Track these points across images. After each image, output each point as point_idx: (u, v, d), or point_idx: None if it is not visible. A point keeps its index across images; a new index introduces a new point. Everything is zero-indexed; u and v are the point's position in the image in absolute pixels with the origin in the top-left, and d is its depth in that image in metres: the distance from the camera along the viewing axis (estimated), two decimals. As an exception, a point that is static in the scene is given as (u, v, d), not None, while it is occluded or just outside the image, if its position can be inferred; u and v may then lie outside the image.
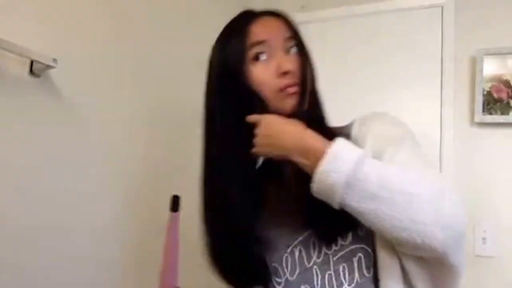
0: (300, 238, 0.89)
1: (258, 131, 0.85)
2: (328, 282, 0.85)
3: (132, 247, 1.59)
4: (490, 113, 1.85)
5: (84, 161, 1.42)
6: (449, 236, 0.70)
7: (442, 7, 2.02)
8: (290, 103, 0.87)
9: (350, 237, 0.86)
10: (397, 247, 0.78)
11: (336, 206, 0.75)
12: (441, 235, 0.70)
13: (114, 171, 1.54)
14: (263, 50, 0.87)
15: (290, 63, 0.87)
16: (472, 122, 1.89)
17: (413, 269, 0.79)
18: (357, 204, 0.73)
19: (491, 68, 1.88)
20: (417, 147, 0.86)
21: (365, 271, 0.84)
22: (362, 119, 0.92)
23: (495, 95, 1.85)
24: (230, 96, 0.90)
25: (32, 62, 1.25)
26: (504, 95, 1.84)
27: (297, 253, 0.90)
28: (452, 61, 1.97)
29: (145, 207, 1.65)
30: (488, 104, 1.86)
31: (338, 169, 0.72)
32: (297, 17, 2.58)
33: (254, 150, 0.86)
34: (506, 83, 1.84)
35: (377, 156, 0.80)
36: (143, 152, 1.69)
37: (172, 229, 0.71)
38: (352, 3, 2.09)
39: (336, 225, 0.85)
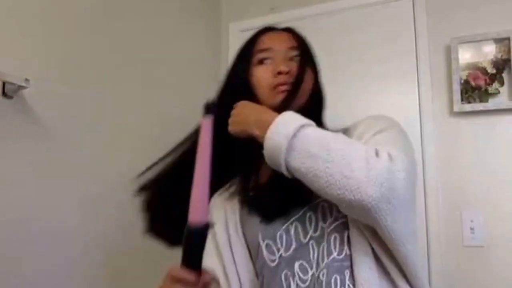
0: (296, 216, 0.93)
1: (232, 112, 0.98)
2: (321, 253, 0.89)
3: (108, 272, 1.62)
4: (469, 102, 1.83)
5: (58, 181, 1.43)
6: (380, 193, 0.73)
7: (413, -2, 2.01)
8: (279, 98, 0.98)
9: None
10: (340, 210, 0.83)
11: (284, 171, 0.82)
12: (372, 191, 0.73)
13: (89, 191, 1.54)
14: (268, 55, 1.03)
15: (286, 65, 1.00)
16: (452, 112, 1.87)
17: (370, 240, 0.84)
18: (298, 164, 0.79)
19: (466, 56, 1.86)
20: (398, 137, 0.90)
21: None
22: (355, 123, 1.00)
23: (473, 83, 1.83)
24: (232, 89, 1.07)
25: (4, 84, 1.26)
26: (481, 82, 1.82)
27: (292, 230, 0.93)
28: (427, 52, 1.96)
29: (118, 226, 1.65)
30: (466, 93, 1.84)
31: (281, 132, 0.81)
32: (267, 19, 2.63)
33: (229, 129, 0.98)
34: (483, 70, 1.83)
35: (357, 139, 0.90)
36: (120, 170, 1.69)
37: (201, 136, 0.74)
38: (322, 1, 2.10)
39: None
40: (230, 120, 0.98)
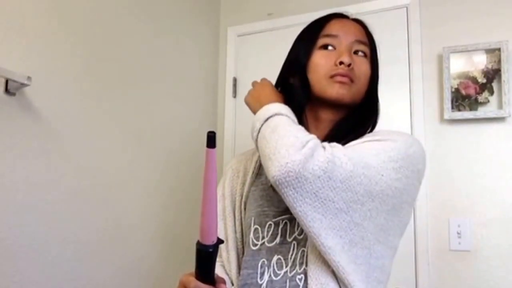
0: (289, 214, 0.93)
1: (253, 84, 1.05)
2: (300, 256, 0.91)
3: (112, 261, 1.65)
4: (459, 110, 1.88)
5: (59, 177, 1.45)
6: (284, 177, 0.77)
7: (407, 8, 2.05)
8: (335, 89, 0.96)
9: None
10: None
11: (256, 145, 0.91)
12: (276, 173, 0.78)
13: (90, 187, 1.57)
14: (332, 43, 1.00)
15: (349, 57, 0.96)
16: (442, 119, 1.92)
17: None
18: (259, 143, 0.87)
19: (458, 65, 1.90)
20: (384, 148, 0.87)
21: None
22: (374, 131, 1.01)
23: (463, 92, 1.88)
24: (289, 67, 1.06)
25: (7, 81, 1.28)
26: (472, 91, 1.87)
27: (281, 225, 0.95)
28: (420, 60, 2.01)
29: (120, 218, 1.70)
30: (456, 101, 1.89)
31: (261, 116, 0.89)
32: (264, 25, 2.66)
33: (245, 97, 1.05)
34: (473, 79, 1.88)
35: None
36: (122, 167, 1.73)
37: (207, 166, 0.77)
38: (319, 8, 2.13)
39: None
40: (250, 90, 1.04)
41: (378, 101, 1.06)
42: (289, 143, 0.79)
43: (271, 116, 0.87)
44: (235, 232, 1.07)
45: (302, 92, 1.00)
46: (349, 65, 0.96)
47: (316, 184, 0.77)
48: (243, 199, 1.07)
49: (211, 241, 0.78)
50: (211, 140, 0.75)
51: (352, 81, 0.97)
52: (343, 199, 0.79)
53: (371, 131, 1.02)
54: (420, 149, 0.92)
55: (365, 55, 1.01)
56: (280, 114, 0.88)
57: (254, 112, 0.94)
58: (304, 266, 0.89)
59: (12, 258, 1.28)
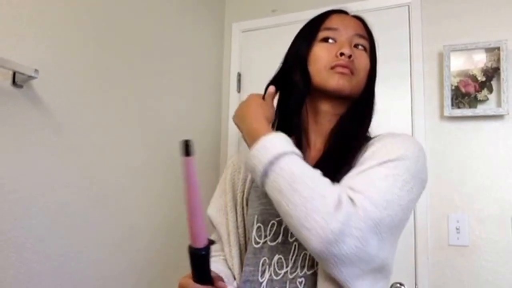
0: None
1: (240, 104, 1.00)
2: (302, 260, 0.90)
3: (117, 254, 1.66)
4: (459, 107, 1.91)
5: (65, 169, 1.46)
6: (327, 250, 0.72)
7: (409, 6, 2.08)
8: (335, 80, 0.96)
9: None
10: None
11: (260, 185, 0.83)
12: (319, 247, 0.73)
13: (95, 180, 1.58)
14: (333, 36, 1.00)
15: (349, 49, 0.97)
16: (442, 116, 1.95)
17: None
18: (270, 192, 0.80)
19: (458, 63, 1.93)
20: (399, 177, 0.82)
21: None
22: (379, 137, 0.95)
23: (463, 90, 1.91)
24: (290, 62, 1.05)
25: (14, 73, 1.29)
26: (471, 89, 1.90)
27: (284, 224, 0.94)
28: (420, 58, 2.03)
29: (125, 214, 1.72)
30: (456, 98, 1.92)
31: (260, 157, 0.80)
32: (268, 21, 2.67)
33: (232, 117, 1.01)
34: (473, 77, 1.90)
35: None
36: (128, 160, 1.74)
37: (188, 175, 0.78)
38: (321, 5, 2.15)
39: None
40: (236, 110, 0.99)
41: (375, 97, 1.05)
42: (322, 208, 0.73)
43: (276, 159, 0.79)
44: (237, 227, 1.08)
45: (303, 84, 1.00)
46: (349, 56, 0.96)
47: (355, 246, 0.73)
48: (245, 195, 1.07)
49: (202, 244, 0.80)
50: (186, 148, 0.75)
51: (352, 73, 0.97)
52: (367, 252, 0.77)
53: (367, 127, 1.02)
54: (424, 157, 0.90)
55: (365, 49, 1.02)
56: (285, 154, 0.80)
57: (248, 143, 0.88)
58: (305, 270, 0.90)
59: (18, 250, 1.29)
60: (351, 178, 0.82)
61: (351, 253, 0.73)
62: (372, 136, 0.99)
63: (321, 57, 0.98)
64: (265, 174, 0.79)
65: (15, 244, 1.29)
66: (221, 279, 0.87)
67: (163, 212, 1.92)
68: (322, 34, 1.01)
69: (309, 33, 1.03)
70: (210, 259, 0.82)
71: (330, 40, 1.00)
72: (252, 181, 1.06)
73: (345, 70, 0.96)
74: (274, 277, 0.92)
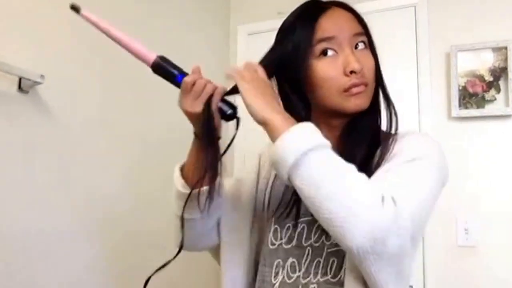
0: (307, 218, 0.91)
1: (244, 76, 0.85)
2: (315, 267, 0.89)
3: (119, 252, 1.67)
4: (466, 107, 1.90)
5: (70, 174, 1.47)
6: (371, 246, 0.69)
7: (415, 7, 2.07)
8: (354, 103, 0.86)
9: None
10: None
11: (286, 181, 0.75)
12: (361, 243, 0.68)
13: (100, 185, 1.58)
14: (331, 46, 0.86)
15: (357, 62, 0.85)
16: (450, 117, 1.95)
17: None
18: (299, 184, 0.73)
19: (465, 63, 1.92)
20: (426, 173, 0.81)
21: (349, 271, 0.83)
22: (402, 134, 0.90)
23: (470, 90, 1.90)
24: (285, 82, 0.92)
25: (20, 79, 1.30)
26: (479, 89, 1.89)
27: (299, 229, 0.92)
28: (427, 58, 2.02)
29: (132, 217, 1.72)
30: (464, 99, 1.91)
31: (292, 146, 0.72)
32: (274, 24, 2.66)
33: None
34: (480, 77, 1.89)
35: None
36: (131, 164, 1.74)
37: (96, 24, 0.91)
38: (327, 7, 2.16)
39: None
40: (242, 85, 0.83)
41: (386, 87, 0.95)
42: (368, 202, 0.69)
43: (314, 148, 0.72)
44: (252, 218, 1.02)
45: (305, 112, 0.90)
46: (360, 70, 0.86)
47: (396, 246, 0.71)
48: (267, 195, 1.02)
49: (154, 56, 0.90)
50: (74, 9, 0.91)
51: (366, 85, 0.87)
52: (408, 248, 0.75)
53: (392, 123, 0.94)
54: (444, 154, 0.88)
55: (365, 45, 0.90)
56: (323, 146, 0.74)
57: (271, 134, 0.77)
58: (318, 277, 0.88)
59: (23, 248, 1.31)
60: (383, 176, 0.79)
61: (393, 253, 0.70)
62: (394, 132, 0.93)
63: (328, 79, 0.86)
64: (296, 164, 0.72)
65: (20, 243, 1.28)
66: (198, 66, 0.94)
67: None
68: (318, 49, 0.86)
69: (303, 50, 0.87)
70: (172, 63, 0.92)
71: (330, 52, 0.86)
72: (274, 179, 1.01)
73: (361, 88, 0.86)
74: (287, 280, 0.91)
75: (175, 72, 0.92)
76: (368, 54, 0.90)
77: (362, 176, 0.74)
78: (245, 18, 2.48)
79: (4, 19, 1.29)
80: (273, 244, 0.96)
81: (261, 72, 0.87)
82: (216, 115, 0.89)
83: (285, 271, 0.92)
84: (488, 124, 1.90)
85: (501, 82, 1.87)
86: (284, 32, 0.93)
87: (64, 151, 1.46)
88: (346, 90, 0.85)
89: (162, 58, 0.90)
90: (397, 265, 0.74)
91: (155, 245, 1.82)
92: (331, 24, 0.87)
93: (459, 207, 1.90)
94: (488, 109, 1.87)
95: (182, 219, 0.93)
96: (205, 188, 0.91)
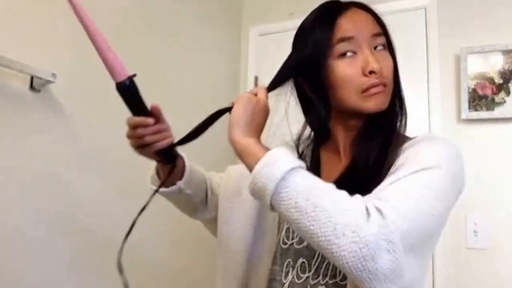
0: None
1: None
2: (324, 269, 0.88)
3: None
4: (476, 110, 1.90)
5: (81, 173, 1.47)
6: (362, 265, 0.67)
7: (426, 9, 2.07)
8: (372, 103, 0.87)
9: None
10: None
11: (269, 209, 0.76)
12: (351, 263, 0.67)
13: (112, 184, 1.59)
14: (350, 48, 0.87)
15: (376, 62, 0.85)
16: (459, 119, 1.94)
17: None
18: (283, 211, 0.73)
19: (475, 66, 1.92)
20: (434, 186, 0.78)
21: None
22: (417, 140, 0.89)
23: (480, 92, 1.90)
24: (304, 82, 0.94)
25: (32, 78, 1.31)
26: (488, 92, 1.89)
27: None
28: (437, 61, 2.02)
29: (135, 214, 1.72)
30: (473, 101, 1.91)
31: (270, 173, 0.73)
32: (285, 25, 2.67)
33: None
34: (490, 80, 1.89)
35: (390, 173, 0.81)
36: (143, 164, 1.75)
37: (79, 16, 0.82)
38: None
39: None
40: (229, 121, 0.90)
41: (402, 90, 0.97)
42: (351, 221, 0.68)
43: (288, 174, 0.73)
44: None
45: (324, 112, 0.92)
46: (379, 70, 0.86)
47: (391, 260, 0.68)
48: None
49: (123, 76, 0.83)
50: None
51: (385, 85, 0.87)
52: (403, 264, 0.71)
53: (401, 124, 0.96)
54: (461, 162, 0.86)
55: (384, 47, 0.90)
56: (296, 168, 0.74)
57: (247, 164, 0.81)
58: (327, 279, 0.88)
59: (26, 245, 1.31)
60: (383, 188, 0.77)
61: (387, 268, 0.68)
62: (408, 136, 0.94)
63: (348, 79, 0.86)
64: (276, 191, 0.72)
65: (23, 239, 1.29)
66: (158, 111, 0.94)
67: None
68: (337, 49, 0.87)
69: (320, 48, 0.88)
70: (138, 90, 0.87)
71: (349, 53, 0.87)
72: None
73: (380, 89, 0.86)
74: (296, 281, 0.91)
75: (138, 106, 0.91)
76: (386, 55, 0.91)
77: (343, 194, 0.73)
78: (257, 19, 2.49)
79: (16, 19, 1.29)
80: (285, 243, 0.96)
81: (261, 95, 0.95)
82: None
83: (295, 271, 0.92)
84: (498, 126, 1.89)
85: (511, 85, 1.86)
86: (304, 32, 0.94)
87: (75, 152, 1.46)
88: (365, 90, 0.86)
89: (130, 81, 0.86)
90: (397, 282, 0.70)
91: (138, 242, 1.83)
92: (351, 25, 0.88)
93: (468, 209, 1.89)
94: (498, 112, 1.86)
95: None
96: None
